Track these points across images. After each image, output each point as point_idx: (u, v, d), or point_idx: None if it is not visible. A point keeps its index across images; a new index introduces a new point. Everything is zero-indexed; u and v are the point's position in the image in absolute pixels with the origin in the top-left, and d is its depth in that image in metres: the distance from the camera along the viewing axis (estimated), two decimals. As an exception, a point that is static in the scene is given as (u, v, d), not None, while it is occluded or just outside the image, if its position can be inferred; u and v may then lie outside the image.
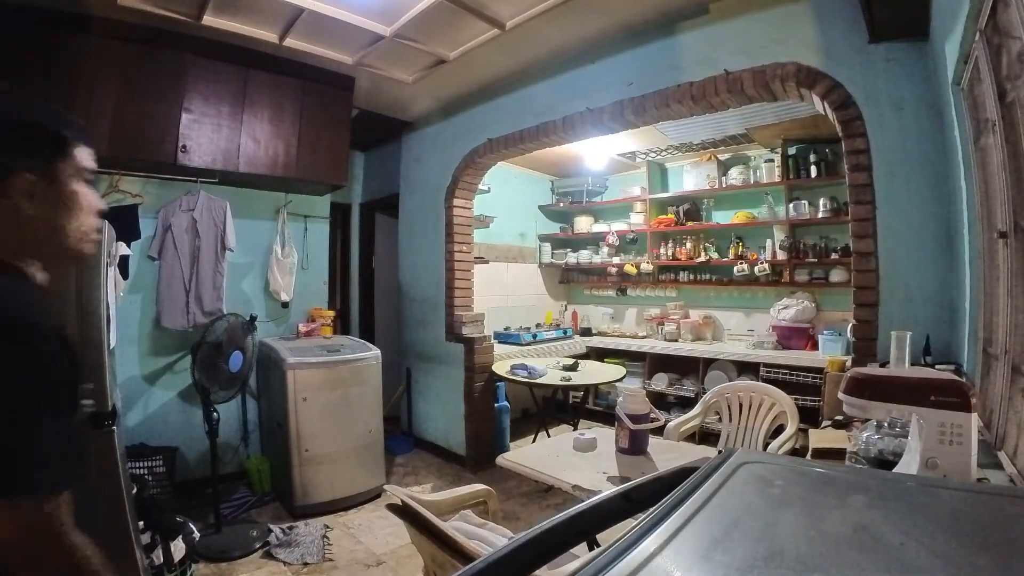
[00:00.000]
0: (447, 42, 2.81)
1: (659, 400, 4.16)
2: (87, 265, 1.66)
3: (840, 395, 1.01)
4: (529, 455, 1.92)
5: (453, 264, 3.74)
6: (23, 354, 0.67)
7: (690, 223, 4.45)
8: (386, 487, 1.41)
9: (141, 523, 1.97)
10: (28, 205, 0.75)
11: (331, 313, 3.70)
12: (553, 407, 4.24)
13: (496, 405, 3.70)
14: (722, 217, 4.44)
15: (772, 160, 3.99)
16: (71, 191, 0.80)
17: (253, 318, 2.89)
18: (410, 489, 3.21)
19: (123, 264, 2.65)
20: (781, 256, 3.91)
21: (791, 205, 3.84)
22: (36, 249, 0.79)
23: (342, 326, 4.33)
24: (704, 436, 3.50)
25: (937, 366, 1.71)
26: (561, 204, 5.30)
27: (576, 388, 3.81)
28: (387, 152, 4.45)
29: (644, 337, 4.66)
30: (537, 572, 0.54)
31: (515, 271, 5.03)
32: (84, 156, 0.82)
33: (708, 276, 4.39)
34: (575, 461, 1.82)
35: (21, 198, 0.74)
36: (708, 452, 1.85)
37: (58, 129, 0.80)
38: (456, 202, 3.74)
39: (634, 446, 1.86)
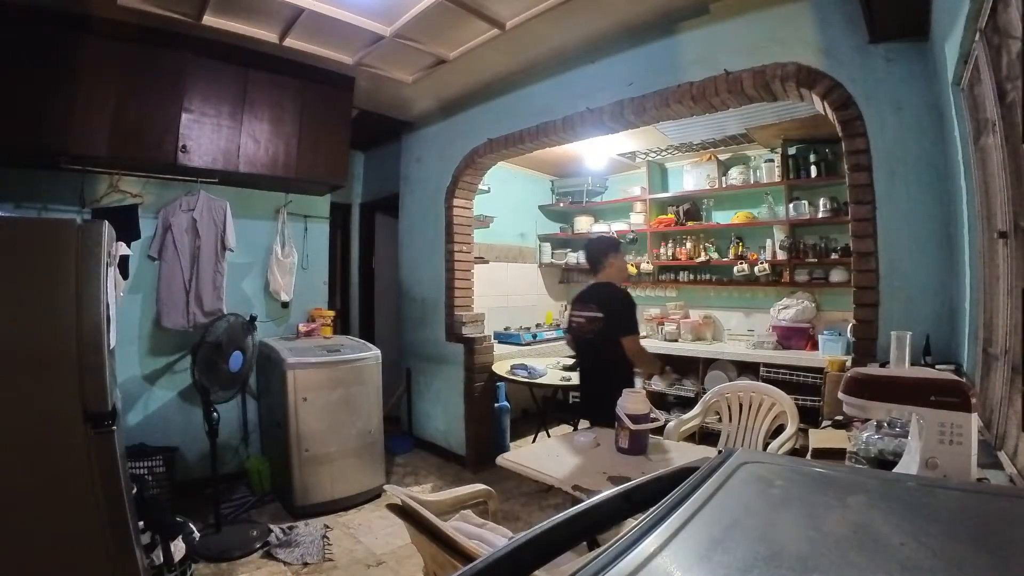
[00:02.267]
0: (447, 42, 2.81)
1: (659, 400, 4.16)
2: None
3: (840, 395, 1.01)
4: (529, 455, 1.92)
5: (453, 264, 3.74)
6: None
7: (690, 223, 4.45)
8: (386, 487, 1.41)
9: (141, 523, 1.97)
10: (617, 266, 2.59)
11: (331, 313, 3.69)
12: (553, 407, 4.24)
13: (496, 405, 3.70)
14: (722, 217, 4.44)
15: (772, 160, 3.99)
16: (624, 259, 2.68)
17: (253, 318, 2.88)
18: (410, 489, 3.21)
19: (123, 264, 2.66)
20: (781, 256, 3.91)
21: (791, 205, 3.83)
22: (621, 279, 2.64)
23: (342, 326, 4.33)
24: (704, 436, 3.49)
25: (937, 366, 1.71)
26: (561, 204, 5.30)
27: (576, 388, 3.80)
28: (387, 152, 4.45)
29: (644, 337, 4.65)
30: (537, 572, 0.54)
31: (515, 271, 5.03)
32: (622, 246, 2.77)
33: (708, 276, 4.38)
34: (575, 461, 1.82)
35: (614, 263, 2.57)
36: (708, 452, 1.85)
37: (615, 247, 2.61)
38: (456, 202, 3.74)
39: (634, 446, 1.86)
